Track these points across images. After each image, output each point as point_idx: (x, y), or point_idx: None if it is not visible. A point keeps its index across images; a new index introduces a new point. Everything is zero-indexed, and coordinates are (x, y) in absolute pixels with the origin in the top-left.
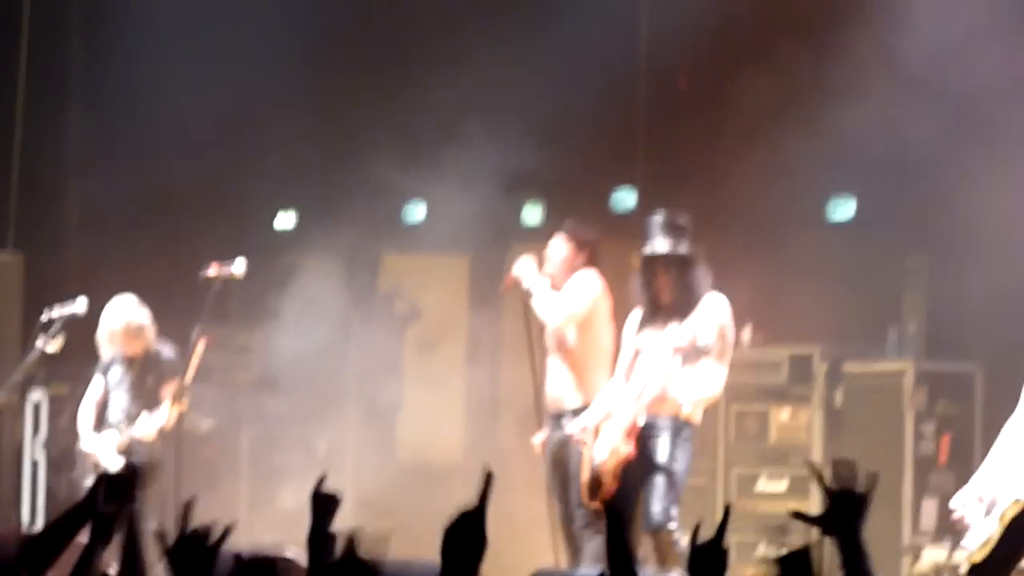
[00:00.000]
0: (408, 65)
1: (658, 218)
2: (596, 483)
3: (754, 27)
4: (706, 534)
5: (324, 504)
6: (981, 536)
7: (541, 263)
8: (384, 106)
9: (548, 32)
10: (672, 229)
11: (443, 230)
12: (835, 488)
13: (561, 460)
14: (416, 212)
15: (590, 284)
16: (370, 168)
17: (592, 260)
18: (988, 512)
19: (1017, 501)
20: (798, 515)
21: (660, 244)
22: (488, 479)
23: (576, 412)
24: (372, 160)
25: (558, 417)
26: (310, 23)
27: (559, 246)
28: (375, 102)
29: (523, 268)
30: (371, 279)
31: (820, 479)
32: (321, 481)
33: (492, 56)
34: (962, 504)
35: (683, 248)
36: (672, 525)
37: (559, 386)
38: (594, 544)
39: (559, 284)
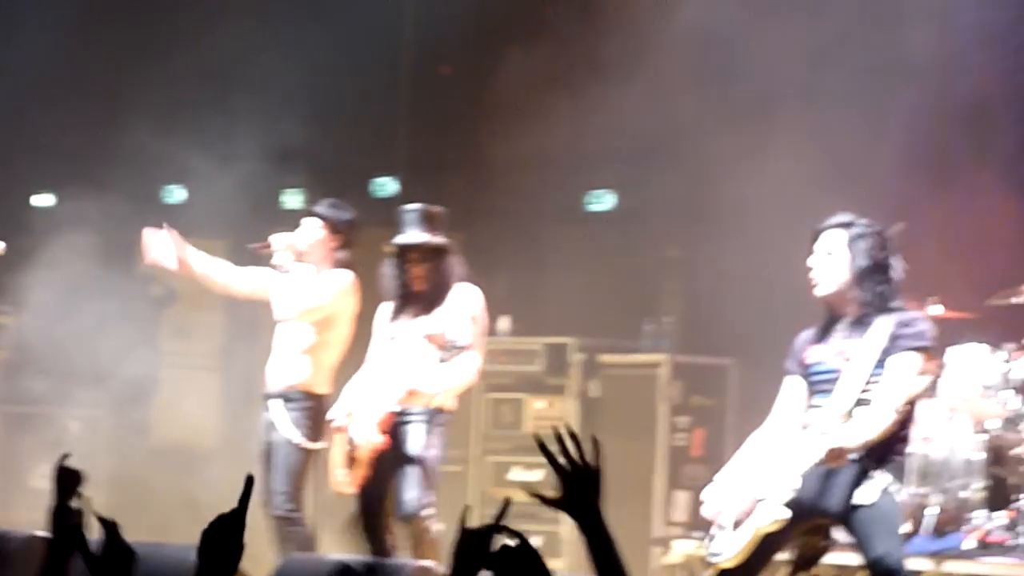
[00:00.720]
0: (173, 44)
1: (412, 208)
2: (348, 467)
3: (517, 16)
4: (474, 523)
5: (67, 479)
6: (731, 541)
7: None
8: (146, 84)
9: (315, 15)
10: (426, 220)
11: (203, 212)
12: (566, 466)
13: (268, 446)
14: (176, 193)
15: (334, 282)
16: (129, 148)
17: (347, 244)
18: (740, 514)
19: (776, 520)
20: (536, 496)
21: (413, 234)
22: (249, 482)
23: (286, 396)
24: (131, 140)
25: (268, 398)
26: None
27: (313, 228)
28: (137, 79)
29: (277, 242)
30: (128, 260)
31: (547, 455)
32: (64, 457)
33: (257, 37)
34: (712, 500)
35: (437, 238)
36: (425, 512)
37: (278, 369)
38: (296, 533)
39: (313, 264)
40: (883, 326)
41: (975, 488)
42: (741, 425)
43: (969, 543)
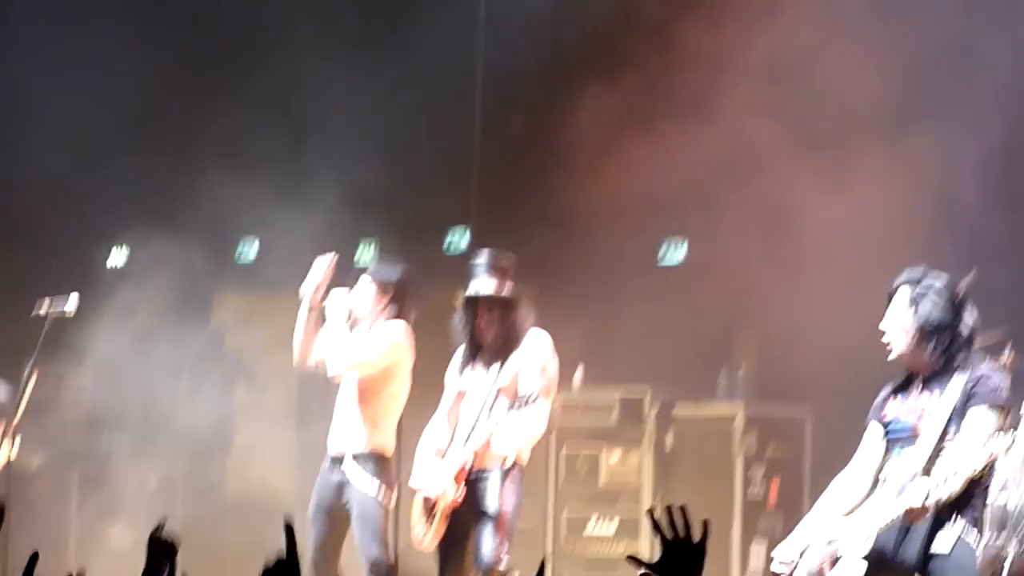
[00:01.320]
0: (248, 94)
1: (481, 259)
2: (426, 523)
3: (587, 69)
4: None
5: (159, 549)
6: None
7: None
8: (219, 143)
9: (386, 70)
10: (495, 270)
11: (276, 269)
12: (671, 537)
13: (339, 506)
14: (249, 251)
15: (386, 335)
16: (204, 205)
17: (400, 302)
18: (814, 570)
19: None
20: (633, 559)
21: (483, 285)
22: (289, 530)
23: (358, 457)
24: (206, 197)
25: (338, 461)
26: (151, 51)
27: (364, 289)
28: (211, 139)
29: (332, 300)
30: (203, 317)
31: (656, 526)
32: (160, 527)
33: (333, 84)
34: (785, 555)
35: (506, 289)
36: (503, 566)
37: (343, 429)
38: None
39: (366, 322)
40: (957, 384)
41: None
42: (817, 475)
43: None
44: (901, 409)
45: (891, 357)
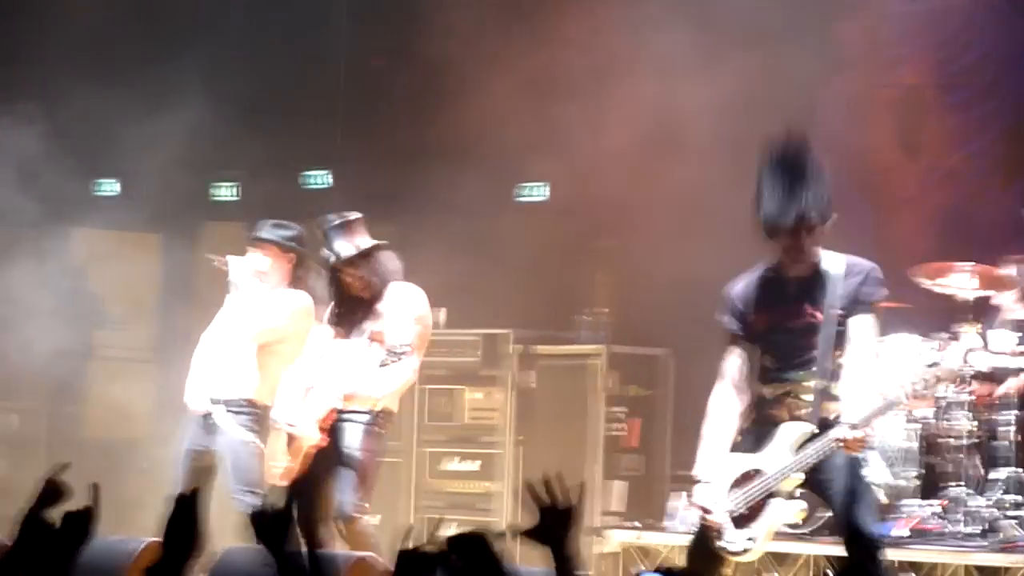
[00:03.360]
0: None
1: (331, 221)
2: (287, 460)
3: (452, 4)
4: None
5: (51, 491)
6: (747, 534)
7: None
8: (84, 78)
9: (250, 6)
10: (347, 229)
11: (135, 206)
12: (546, 503)
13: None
14: (109, 186)
15: (290, 303)
16: (61, 140)
17: (301, 265)
18: (748, 504)
19: (800, 512)
20: (513, 531)
21: (340, 247)
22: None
23: (233, 404)
24: (65, 132)
25: (213, 404)
26: None
27: (260, 260)
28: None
29: (235, 267)
30: (62, 254)
31: (532, 494)
32: (61, 468)
33: (194, 30)
34: (705, 496)
35: (363, 244)
36: (360, 514)
37: (222, 374)
38: None
39: (270, 285)
40: (835, 279)
41: (908, 476)
42: (678, 415)
43: (902, 531)
44: (778, 316)
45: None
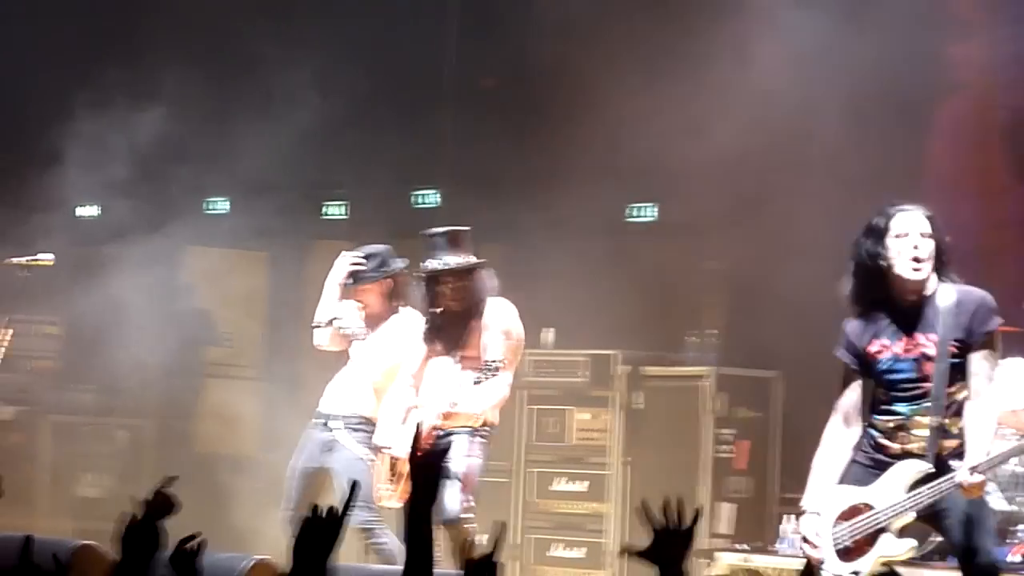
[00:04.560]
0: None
1: (436, 232)
2: (390, 482)
3: (562, 28)
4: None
5: (160, 503)
6: (849, 567)
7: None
8: (187, 99)
9: (356, 27)
10: (451, 242)
11: (245, 224)
12: (662, 524)
13: (324, 465)
14: (219, 205)
15: (400, 332)
16: (174, 160)
17: (397, 287)
18: (854, 538)
19: (910, 550)
20: (627, 550)
21: (446, 258)
22: (353, 488)
23: (350, 420)
24: (177, 152)
25: (328, 420)
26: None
27: (367, 297)
28: (182, 93)
29: (346, 312)
30: (173, 270)
31: (648, 515)
32: (169, 481)
33: (300, 50)
34: (812, 527)
35: (464, 260)
36: (466, 517)
37: (343, 391)
38: (379, 545)
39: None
40: (947, 311)
41: (1021, 501)
42: (787, 437)
43: (1015, 557)
44: (894, 348)
45: (918, 276)
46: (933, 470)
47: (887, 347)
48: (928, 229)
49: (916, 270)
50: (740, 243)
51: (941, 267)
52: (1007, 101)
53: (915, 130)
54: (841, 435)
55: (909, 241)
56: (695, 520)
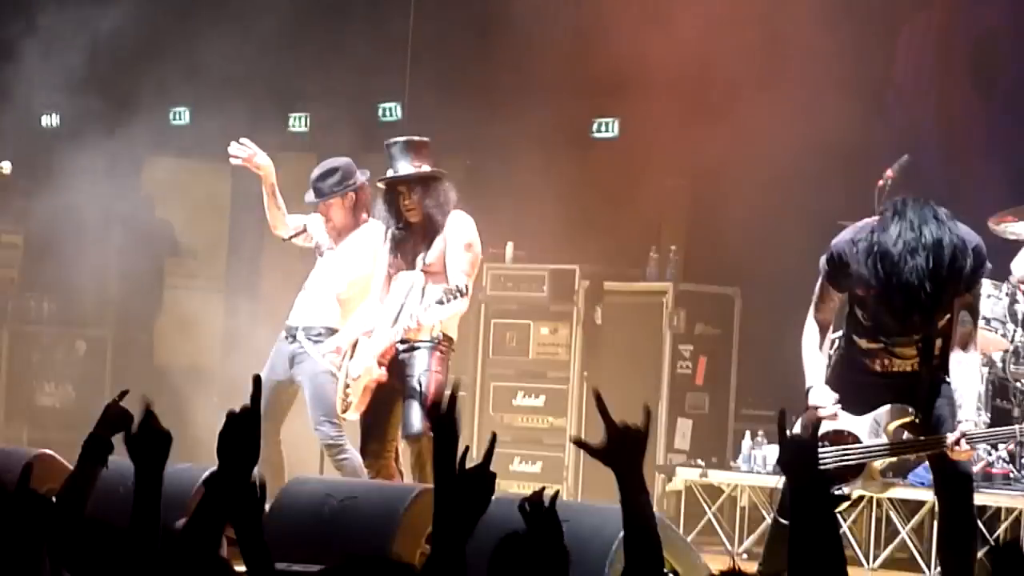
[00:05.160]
0: None
1: (397, 141)
2: (346, 397)
3: None
4: (473, 459)
5: (115, 417)
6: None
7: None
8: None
9: None
10: (412, 151)
11: (207, 135)
12: (617, 424)
13: (290, 376)
14: (183, 114)
15: (367, 244)
16: (136, 73)
17: (363, 199)
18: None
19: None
20: (580, 443)
21: (401, 166)
22: (256, 382)
23: (315, 331)
24: (138, 65)
25: (295, 331)
26: None
27: (331, 211)
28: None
29: (312, 225)
30: (134, 181)
31: (605, 413)
32: (122, 394)
33: None
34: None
35: (424, 168)
36: (429, 432)
37: (310, 303)
38: (343, 459)
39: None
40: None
41: (979, 420)
42: (744, 354)
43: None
44: (871, 283)
45: None
46: (918, 420)
47: (873, 285)
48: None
49: None
50: (702, 158)
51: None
52: (968, 22)
53: (882, 41)
54: (822, 338)
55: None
56: (646, 421)
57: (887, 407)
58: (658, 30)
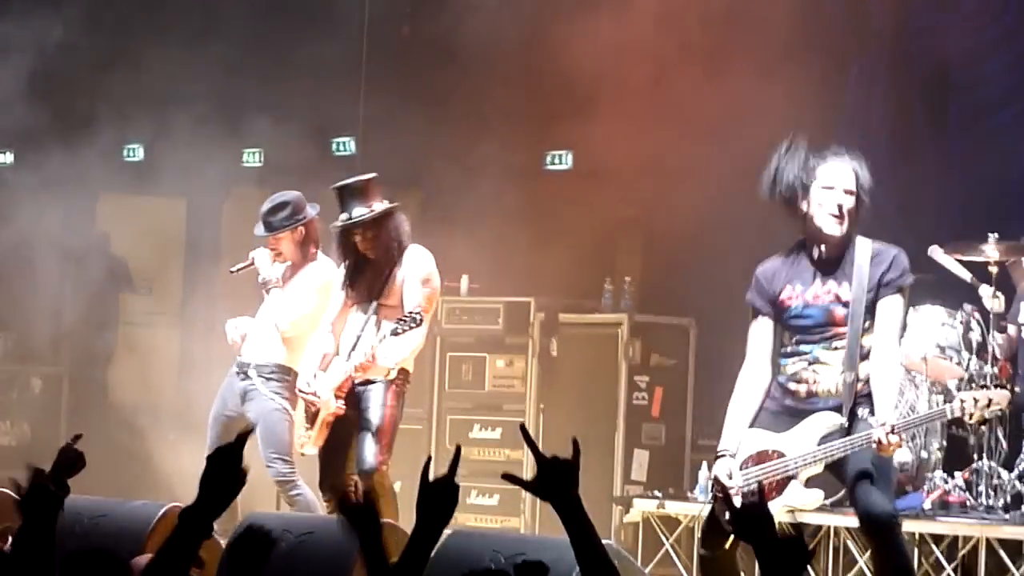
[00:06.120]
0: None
1: (341, 186)
2: (307, 430)
3: None
4: (436, 472)
5: (68, 459)
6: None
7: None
8: (108, 47)
9: None
10: (360, 193)
11: (161, 171)
12: (545, 456)
13: (240, 413)
14: (135, 152)
15: (313, 280)
16: (91, 107)
17: (310, 232)
18: (764, 483)
19: (816, 501)
20: (510, 477)
21: (355, 210)
22: (246, 434)
23: (265, 368)
24: (94, 99)
25: (246, 368)
26: None
27: (280, 245)
28: (100, 42)
29: (260, 259)
30: (88, 217)
31: (532, 446)
32: (76, 438)
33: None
34: (724, 470)
35: (376, 207)
36: (383, 467)
37: (258, 340)
38: (300, 497)
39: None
40: (862, 265)
41: (935, 448)
42: (701, 384)
43: (928, 503)
44: (804, 295)
45: (836, 232)
46: (846, 424)
47: (799, 294)
48: (853, 185)
49: (836, 225)
50: (654, 190)
51: (857, 222)
52: (920, 49)
53: (837, 71)
54: (753, 380)
55: (833, 196)
56: (575, 452)
57: (815, 415)
58: (611, 62)
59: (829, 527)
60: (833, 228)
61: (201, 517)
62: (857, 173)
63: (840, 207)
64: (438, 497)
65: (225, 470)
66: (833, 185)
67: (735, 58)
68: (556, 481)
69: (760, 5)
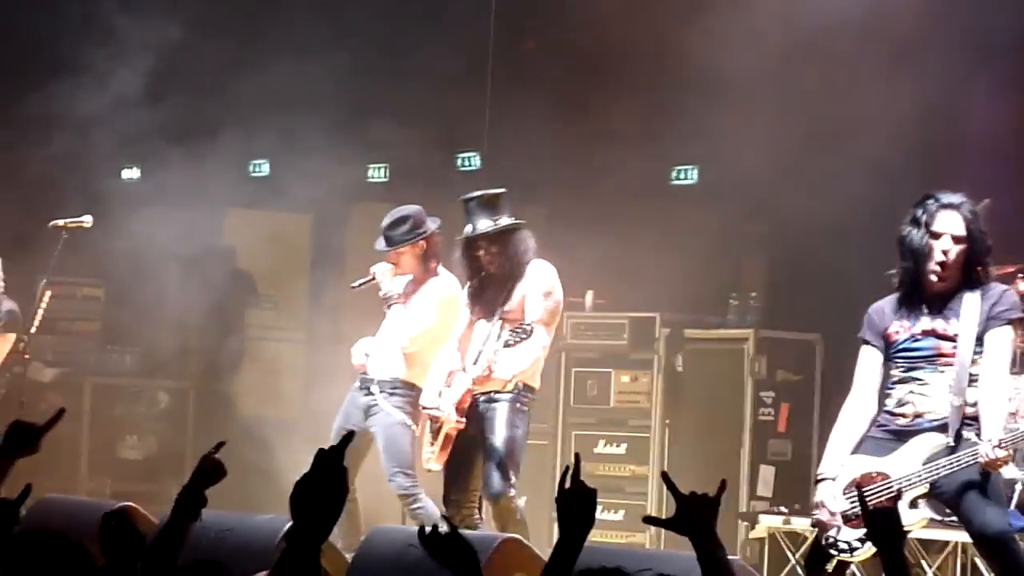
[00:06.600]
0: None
1: (469, 198)
2: (431, 445)
3: None
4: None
5: (209, 468)
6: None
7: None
8: (233, 62)
9: None
10: (488, 206)
11: (286, 186)
12: (684, 495)
13: (364, 428)
14: (261, 168)
15: (434, 295)
16: (216, 124)
17: (433, 249)
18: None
19: (923, 520)
20: (651, 520)
21: (480, 223)
22: (348, 438)
23: (388, 383)
24: (218, 116)
25: (369, 384)
26: None
27: (401, 259)
28: (224, 58)
29: (381, 273)
30: (215, 233)
31: (671, 486)
32: (219, 446)
33: (338, 15)
34: (829, 494)
35: (501, 223)
36: (511, 492)
37: (382, 355)
38: (418, 509)
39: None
40: (972, 302)
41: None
42: (826, 400)
43: None
44: (913, 328)
45: (936, 269)
46: (952, 444)
47: (907, 328)
48: (963, 231)
49: (939, 278)
50: (780, 205)
51: (970, 272)
52: None
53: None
54: (859, 409)
55: (939, 244)
56: (720, 490)
57: (921, 436)
58: (737, 75)
59: (956, 543)
60: (933, 279)
61: (306, 538)
62: (969, 220)
63: (946, 253)
64: (577, 503)
65: (327, 474)
66: (942, 232)
67: (864, 68)
68: (697, 517)
69: (890, 11)
